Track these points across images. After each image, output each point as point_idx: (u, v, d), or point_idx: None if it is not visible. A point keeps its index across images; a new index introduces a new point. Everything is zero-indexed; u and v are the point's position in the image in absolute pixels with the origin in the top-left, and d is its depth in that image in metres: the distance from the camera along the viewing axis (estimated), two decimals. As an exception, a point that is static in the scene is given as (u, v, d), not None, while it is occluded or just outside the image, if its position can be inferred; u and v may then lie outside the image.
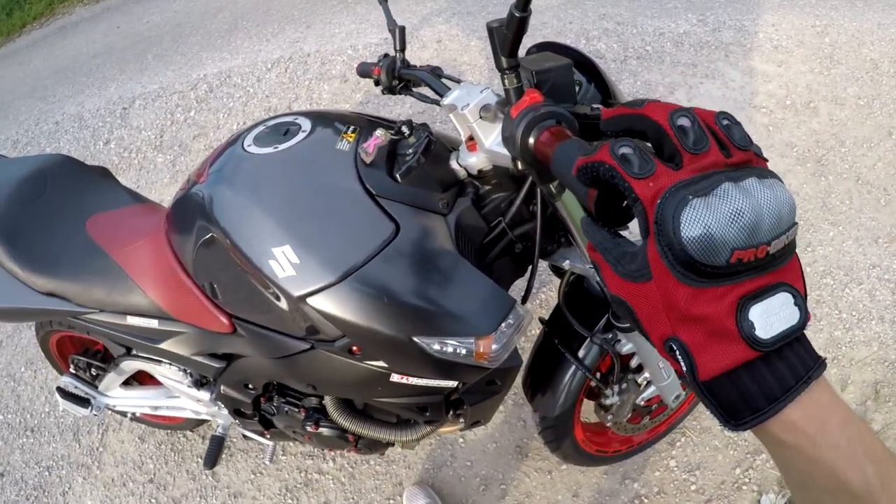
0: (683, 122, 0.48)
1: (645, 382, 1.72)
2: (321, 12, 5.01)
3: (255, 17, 5.22)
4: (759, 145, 0.51)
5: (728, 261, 0.43)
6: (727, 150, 0.47)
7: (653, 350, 1.54)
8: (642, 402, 1.80)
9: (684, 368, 0.47)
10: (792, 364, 0.47)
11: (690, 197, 0.44)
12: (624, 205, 0.54)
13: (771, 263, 0.46)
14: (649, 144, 0.51)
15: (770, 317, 0.45)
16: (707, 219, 0.43)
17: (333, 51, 4.33)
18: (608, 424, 1.84)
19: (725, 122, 0.48)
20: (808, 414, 0.47)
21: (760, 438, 0.50)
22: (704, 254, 0.43)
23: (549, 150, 0.68)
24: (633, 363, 1.69)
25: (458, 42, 4.20)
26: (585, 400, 1.80)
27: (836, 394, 0.48)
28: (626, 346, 1.57)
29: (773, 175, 0.47)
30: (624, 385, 1.71)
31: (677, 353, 0.47)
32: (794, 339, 0.47)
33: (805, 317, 0.47)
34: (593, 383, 1.68)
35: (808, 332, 0.49)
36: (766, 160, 0.49)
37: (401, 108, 3.71)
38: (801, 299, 0.47)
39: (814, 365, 0.47)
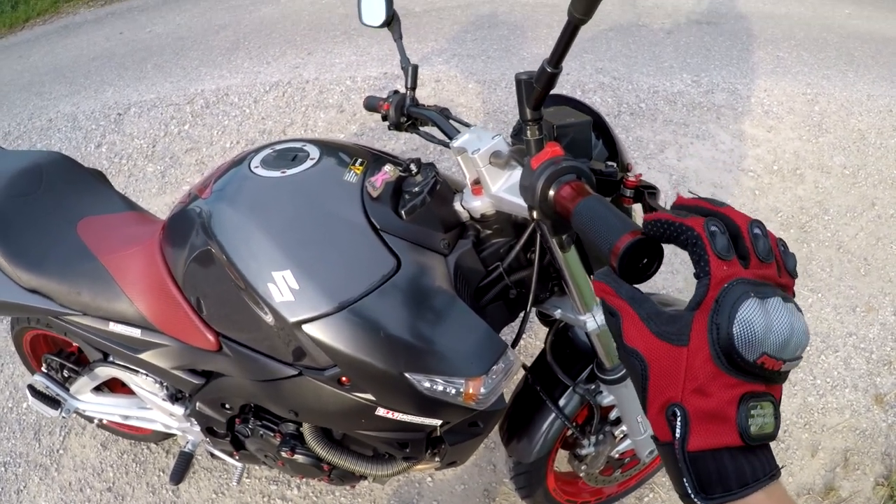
0: (719, 233, 0.54)
1: (621, 435, 1.73)
2: (323, 41, 5.05)
3: (257, 39, 5.25)
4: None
5: (755, 361, 0.50)
6: (746, 261, 0.53)
7: (633, 404, 1.55)
8: (616, 455, 1.80)
9: (678, 434, 0.52)
10: (762, 461, 0.53)
11: (752, 295, 0.50)
12: (641, 264, 0.60)
13: (776, 378, 0.52)
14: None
15: (758, 419, 0.51)
16: (758, 319, 0.49)
17: (332, 80, 4.37)
18: (580, 475, 1.84)
19: (756, 230, 0.54)
20: (771, 500, 0.52)
21: None
22: (743, 345, 0.49)
23: (571, 204, 0.71)
24: (612, 416, 1.71)
25: (456, 83, 4.25)
26: (560, 449, 1.80)
27: (790, 495, 0.54)
28: (606, 399, 1.58)
29: (795, 302, 0.54)
30: (601, 436, 1.71)
31: (678, 419, 0.52)
32: (765, 444, 0.53)
33: (778, 428, 0.53)
34: (571, 432, 1.68)
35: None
36: (794, 276, 0.56)
37: (394, 143, 3.74)
38: (779, 412, 0.53)
39: (776, 468, 0.53)
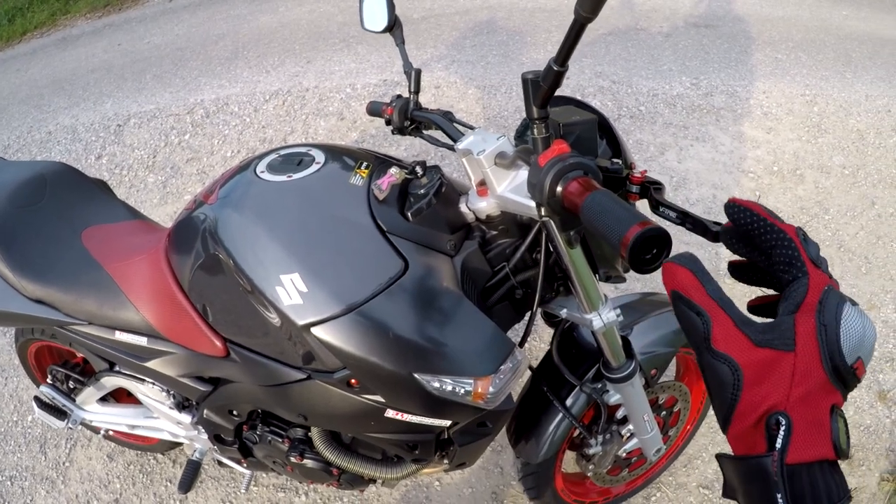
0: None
1: (628, 434, 1.73)
2: (322, 49, 5.07)
3: (256, 48, 5.27)
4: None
5: (852, 365, 0.48)
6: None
7: (639, 402, 1.56)
8: (623, 454, 1.81)
9: (778, 445, 0.48)
10: (841, 480, 0.49)
11: (846, 300, 0.49)
12: (650, 255, 0.60)
13: (853, 387, 0.50)
14: None
15: (842, 433, 0.49)
16: (858, 323, 0.49)
17: (332, 88, 4.40)
18: (588, 474, 1.84)
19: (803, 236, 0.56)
20: None
21: None
22: (848, 347, 0.48)
23: (579, 199, 0.72)
24: (619, 414, 1.71)
25: (456, 89, 4.28)
26: (567, 450, 1.80)
27: None
28: (613, 397, 1.58)
29: None
30: (608, 436, 1.71)
31: (782, 428, 0.49)
32: (836, 464, 0.50)
33: (850, 447, 0.51)
34: (578, 432, 1.68)
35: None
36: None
37: (395, 149, 3.76)
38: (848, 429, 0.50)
39: (847, 490, 0.50)
